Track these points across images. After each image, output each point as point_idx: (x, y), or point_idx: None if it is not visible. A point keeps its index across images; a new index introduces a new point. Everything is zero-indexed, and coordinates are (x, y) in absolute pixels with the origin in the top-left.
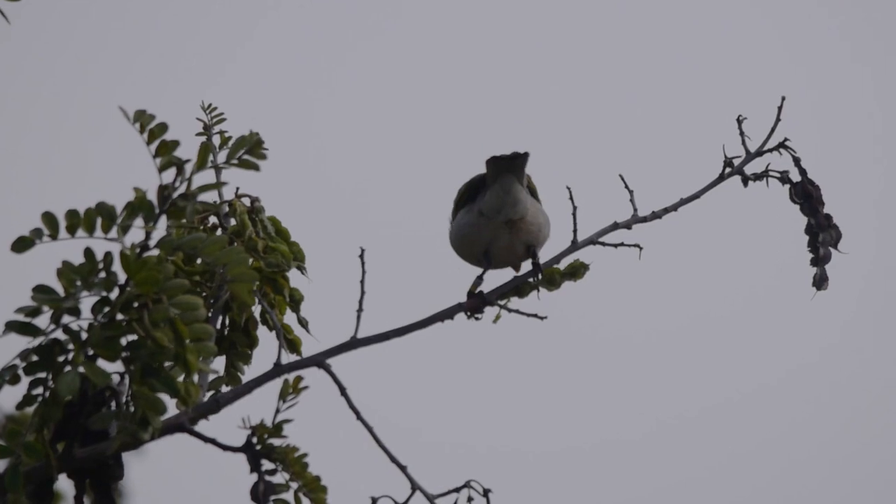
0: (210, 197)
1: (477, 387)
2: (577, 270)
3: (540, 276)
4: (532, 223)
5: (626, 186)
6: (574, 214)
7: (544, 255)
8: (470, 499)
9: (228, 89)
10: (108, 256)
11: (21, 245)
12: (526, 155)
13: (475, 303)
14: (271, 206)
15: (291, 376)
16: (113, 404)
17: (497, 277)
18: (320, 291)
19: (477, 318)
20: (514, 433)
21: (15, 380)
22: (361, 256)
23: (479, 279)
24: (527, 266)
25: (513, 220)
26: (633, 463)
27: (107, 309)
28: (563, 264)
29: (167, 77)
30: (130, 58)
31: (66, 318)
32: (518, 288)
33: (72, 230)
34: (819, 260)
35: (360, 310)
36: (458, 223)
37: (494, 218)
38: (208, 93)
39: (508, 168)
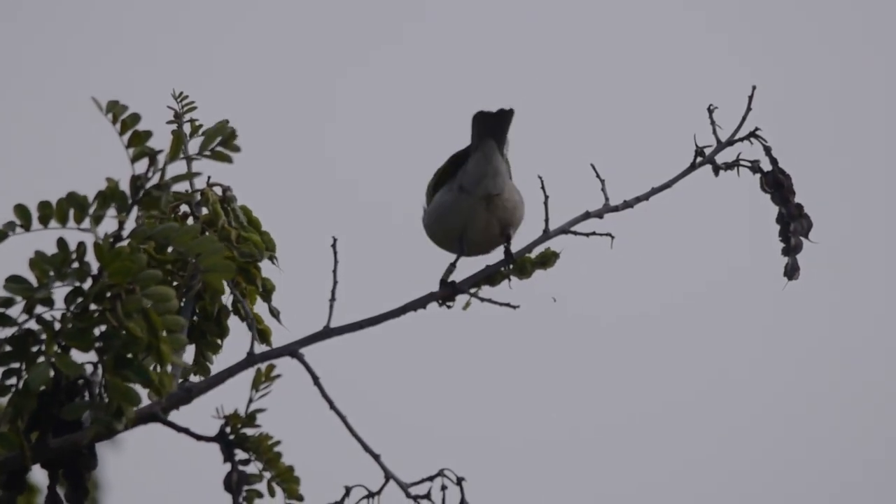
0: (182, 186)
1: (452, 375)
2: (547, 259)
3: (511, 266)
4: (508, 200)
5: (598, 175)
6: (546, 203)
7: (516, 243)
8: (444, 487)
9: (202, 78)
10: (81, 247)
11: None
12: (510, 112)
13: (447, 292)
14: (242, 195)
15: (264, 366)
16: (86, 394)
17: (469, 266)
18: (293, 281)
19: (448, 307)
20: (489, 422)
21: None
22: (334, 246)
23: (452, 266)
24: (499, 255)
25: (491, 196)
26: (608, 452)
27: (80, 299)
28: (534, 253)
29: (143, 65)
30: (102, 47)
31: (39, 309)
32: (490, 277)
33: (44, 221)
34: (790, 249)
35: (332, 299)
36: (435, 203)
37: (474, 191)
38: (180, 81)
39: (492, 132)
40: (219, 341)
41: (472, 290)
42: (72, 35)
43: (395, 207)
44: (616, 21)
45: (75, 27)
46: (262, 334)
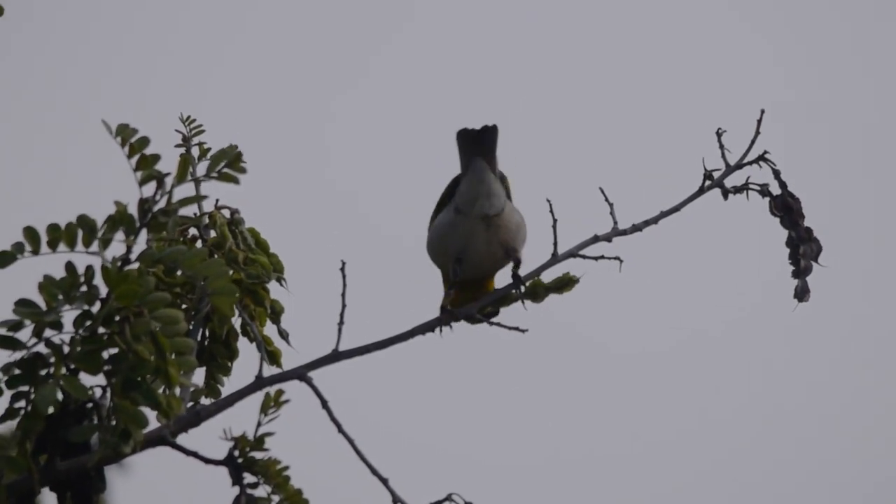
0: (190, 210)
1: (460, 398)
2: (565, 283)
3: (523, 289)
4: (510, 220)
5: (606, 199)
6: (554, 227)
7: (523, 266)
8: None
9: (208, 99)
10: (89, 270)
11: (2, 260)
12: (494, 128)
13: (444, 318)
14: (250, 217)
15: (273, 389)
16: (95, 417)
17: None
18: (301, 303)
19: (441, 332)
20: (498, 445)
21: None
22: (342, 269)
23: (449, 292)
24: (505, 278)
25: (489, 216)
26: (616, 475)
27: (88, 322)
28: (547, 277)
29: (146, 83)
30: (107, 68)
31: (48, 332)
32: (500, 300)
33: (53, 244)
34: (800, 272)
35: (341, 323)
36: (436, 224)
37: (470, 212)
38: (186, 102)
39: (478, 150)
40: (228, 363)
41: (480, 315)
42: (77, 56)
43: (404, 231)
44: (626, 44)
45: (80, 47)
46: (272, 356)
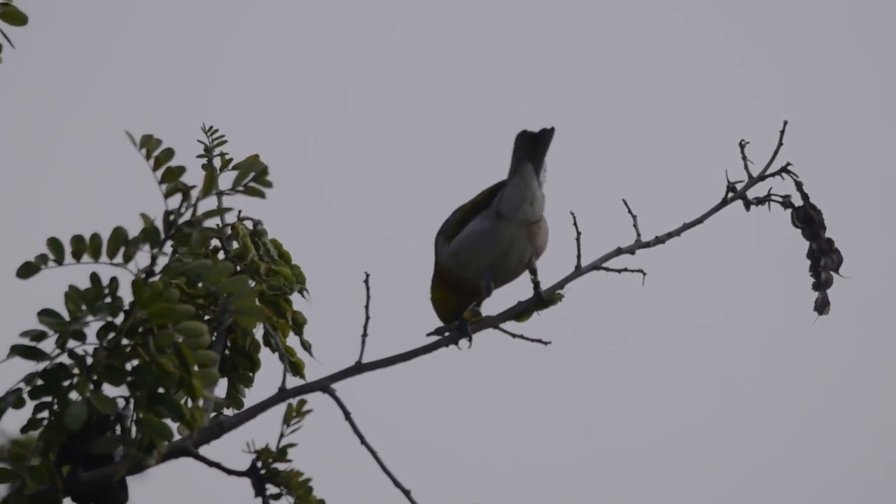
0: (212, 221)
1: (483, 409)
2: (550, 301)
3: (542, 298)
4: (544, 228)
5: (630, 211)
6: (578, 240)
7: (546, 279)
8: None
9: (226, 107)
10: (113, 281)
11: (26, 271)
12: (552, 130)
13: (462, 333)
14: (273, 229)
15: (296, 401)
16: (118, 428)
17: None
18: (324, 315)
19: (461, 345)
20: (521, 455)
21: (19, 403)
22: (366, 281)
23: (474, 308)
24: (523, 285)
25: (530, 223)
26: (637, 481)
27: (112, 334)
28: (566, 290)
29: (165, 93)
30: (130, 82)
31: (71, 343)
32: (518, 313)
33: (77, 255)
34: (821, 284)
35: (364, 335)
36: (467, 232)
37: (513, 217)
38: (201, 106)
39: (531, 155)
40: (251, 374)
41: (503, 326)
42: (99, 68)
43: (426, 243)
44: (647, 54)
45: (102, 58)
46: (294, 367)
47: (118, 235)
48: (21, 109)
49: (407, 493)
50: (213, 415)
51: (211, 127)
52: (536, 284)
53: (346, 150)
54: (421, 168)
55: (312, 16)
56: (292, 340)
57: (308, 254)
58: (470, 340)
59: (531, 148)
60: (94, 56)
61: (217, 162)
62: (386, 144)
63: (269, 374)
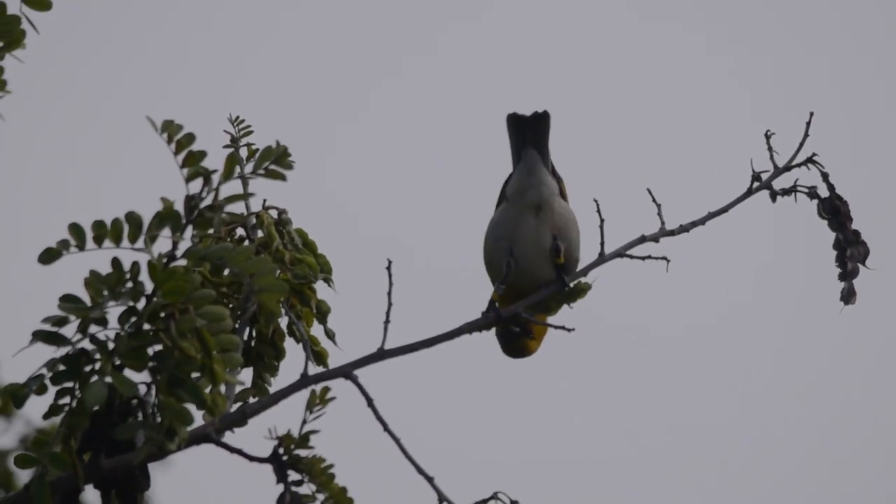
0: (237, 208)
1: (506, 397)
2: (577, 293)
3: (568, 287)
4: (560, 213)
5: (654, 200)
6: (601, 227)
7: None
8: None
9: (253, 100)
10: (135, 266)
11: (48, 256)
12: (545, 115)
13: (492, 319)
14: (298, 218)
15: (318, 387)
16: (139, 414)
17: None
18: (347, 304)
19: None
20: (543, 445)
21: (42, 389)
22: (388, 268)
23: (499, 286)
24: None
25: (539, 205)
26: (660, 475)
27: (134, 319)
28: (590, 277)
29: (188, 86)
30: (155, 70)
31: (92, 328)
32: (546, 304)
33: (99, 241)
34: (847, 275)
35: (387, 321)
36: (489, 224)
37: (520, 201)
38: (231, 102)
39: (530, 139)
40: (275, 363)
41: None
42: (129, 58)
43: (450, 231)
44: (676, 46)
45: (134, 50)
46: (318, 356)
47: (133, 220)
48: (45, 98)
49: (430, 479)
50: (238, 404)
51: (237, 117)
52: (560, 273)
53: (371, 148)
54: (447, 166)
55: (340, 24)
56: (316, 330)
57: (332, 243)
58: (497, 316)
59: (529, 133)
60: (123, 56)
61: (243, 153)
62: (415, 134)
63: (292, 364)
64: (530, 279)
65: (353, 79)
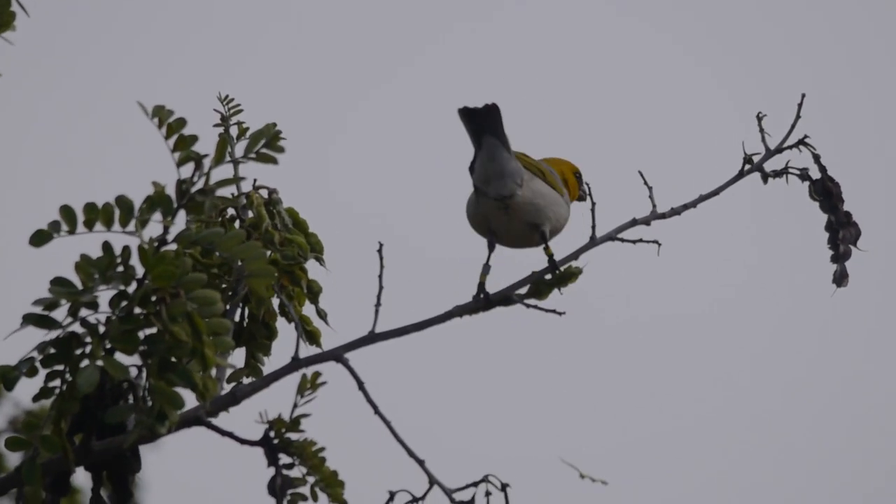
0: (228, 191)
1: (496, 379)
2: (567, 277)
3: (557, 272)
4: (529, 203)
5: (646, 183)
6: (592, 210)
7: (561, 250)
8: (488, 493)
9: (246, 83)
10: (126, 250)
11: (39, 238)
12: (494, 107)
13: (482, 304)
14: (289, 197)
15: (309, 371)
16: (130, 398)
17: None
18: (339, 285)
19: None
20: (533, 431)
21: (32, 372)
22: (380, 251)
23: (487, 267)
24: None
25: (504, 198)
26: (652, 465)
27: (125, 303)
28: (581, 260)
29: (183, 71)
30: (148, 55)
31: (83, 312)
32: (537, 288)
33: (90, 224)
34: (839, 257)
35: (378, 304)
36: (467, 203)
37: (487, 193)
38: (225, 85)
39: (487, 129)
40: (268, 343)
41: (517, 297)
42: (126, 46)
43: (441, 214)
44: (666, 29)
45: (131, 38)
46: (310, 336)
47: (124, 204)
48: (36, 82)
49: (421, 462)
50: (231, 385)
51: (227, 96)
52: (550, 254)
53: (365, 132)
54: (441, 152)
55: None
56: (308, 310)
57: (324, 223)
58: (487, 299)
59: (484, 122)
60: (120, 43)
61: (234, 131)
62: (408, 117)
63: (285, 344)
64: (515, 244)
65: (357, 67)
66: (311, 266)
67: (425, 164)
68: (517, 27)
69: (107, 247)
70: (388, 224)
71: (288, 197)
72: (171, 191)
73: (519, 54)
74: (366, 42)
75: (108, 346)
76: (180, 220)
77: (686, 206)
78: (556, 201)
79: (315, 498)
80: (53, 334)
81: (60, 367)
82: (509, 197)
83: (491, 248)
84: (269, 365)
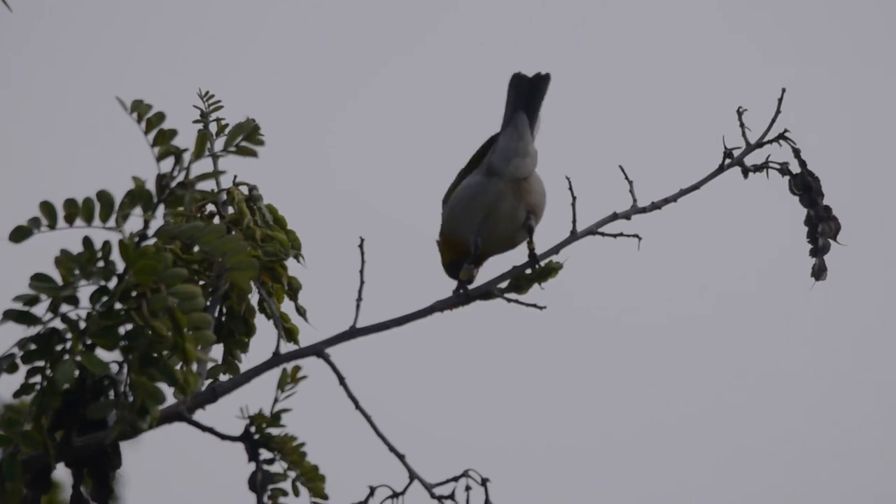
0: (208, 185)
1: (477, 375)
2: (548, 272)
3: (537, 267)
4: (536, 187)
5: (626, 177)
6: (573, 205)
7: (542, 244)
8: (468, 488)
9: (230, 81)
10: (106, 245)
11: (19, 234)
12: (547, 77)
13: (459, 300)
14: (269, 194)
15: (290, 366)
16: (111, 393)
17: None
18: (319, 281)
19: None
20: (514, 424)
21: (12, 368)
22: (361, 246)
23: (468, 264)
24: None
25: (518, 180)
26: (633, 460)
27: (105, 298)
28: (561, 255)
29: (170, 70)
30: (128, 50)
31: (64, 307)
32: (517, 281)
33: (70, 219)
34: (818, 251)
35: (359, 299)
36: (461, 187)
37: (504, 171)
38: (210, 84)
39: (526, 104)
40: (246, 340)
41: (499, 290)
42: (98, 37)
43: (421, 210)
44: (645, 22)
45: (102, 29)
46: (289, 332)
47: (104, 199)
48: (17, 76)
49: (402, 457)
50: (208, 381)
51: (207, 92)
52: (532, 248)
53: (349, 118)
54: (421, 138)
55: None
56: (287, 307)
57: (304, 219)
58: (466, 294)
59: (526, 96)
60: (109, 37)
61: (213, 127)
62: (389, 114)
63: (264, 341)
64: (502, 246)
65: (352, 58)
66: (290, 263)
67: (422, 150)
68: (500, 26)
69: (87, 242)
70: (369, 203)
71: (287, 191)
72: (151, 185)
73: (497, 49)
74: (364, 35)
75: (89, 341)
76: (160, 215)
77: (666, 201)
78: (545, 195)
79: (296, 493)
80: (34, 330)
81: (41, 364)
82: (524, 179)
83: (475, 249)
84: (247, 362)
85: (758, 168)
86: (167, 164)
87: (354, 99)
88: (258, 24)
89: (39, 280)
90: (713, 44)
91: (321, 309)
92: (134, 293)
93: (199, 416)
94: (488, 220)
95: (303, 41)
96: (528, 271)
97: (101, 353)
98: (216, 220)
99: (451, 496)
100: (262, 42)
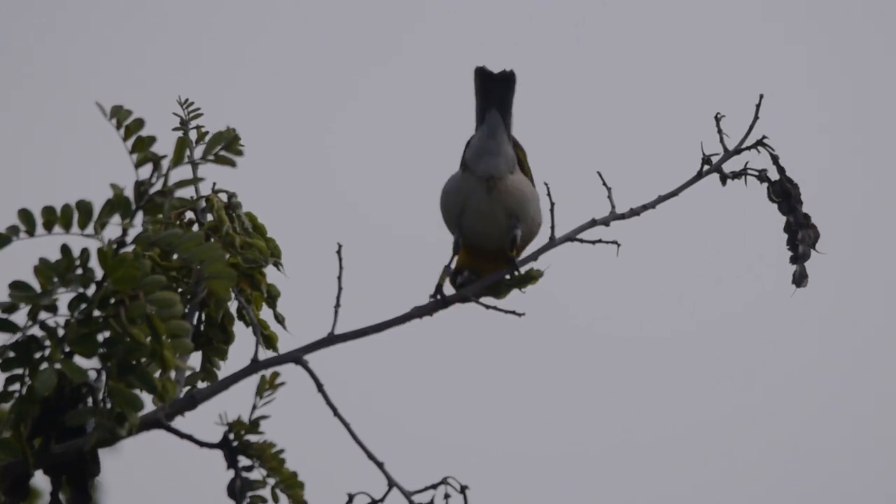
0: (187, 193)
1: (455, 381)
2: (528, 279)
3: (516, 274)
4: (514, 189)
5: (604, 183)
6: (552, 211)
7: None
8: (447, 496)
9: (230, 81)
10: (84, 253)
11: None
12: (512, 73)
13: (437, 305)
14: (256, 199)
15: (268, 372)
16: (90, 400)
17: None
18: (297, 288)
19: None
20: (493, 431)
21: None
22: (339, 252)
23: (447, 268)
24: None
25: (493, 178)
26: (610, 467)
27: (84, 305)
28: (540, 261)
29: (170, 70)
30: (128, 50)
31: (42, 315)
32: (495, 288)
33: (48, 226)
34: (798, 258)
35: (337, 306)
36: (445, 183)
37: (476, 169)
38: (210, 84)
39: (496, 99)
40: (225, 347)
41: (477, 297)
42: (77, 42)
43: (401, 215)
44: (624, 28)
45: (80, 32)
46: (267, 340)
47: (83, 207)
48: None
49: (380, 465)
50: (186, 388)
51: (187, 100)
52: (511, 256)
53: (330, 124)
54: (421, 138)
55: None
56: (265, 314)
57: (288, 225)
58: (444, 300)
59: (496, 93)
60: (103, 43)
61: (193, 135)
62: (370, 120)
63: (242, 348)
64: (487, 246)
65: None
66: (269, 271)
67: (422, 150)
68: (500, 26)
69: (65, 249)
70: (350, 210)
71: (286, 193)
72: (129, 192)
73: (497, 49)
74: (364, 35)
75: (67, 349)
76: (139, 223)
77: (645, 207)
78: (538, 202)
79: (275, 499)
80: (13, 338)
81: (20, 371)
82: (498, 178)
83: (455, 250)
84: (225, 370)
85: (736, 175)
86: (146, 171)
87: (354, 99)
88: (258, 25)
89: (18, 288)
90: (693, 50)
91: (301, 316)
92: (112, 300)
93: (177, 423)
94: (464, 217)
95: (303, 41)
96: (507, 277)
97: (80, 361)
98: (195, 227)
99: (431, 503)
100: (262, 42)
